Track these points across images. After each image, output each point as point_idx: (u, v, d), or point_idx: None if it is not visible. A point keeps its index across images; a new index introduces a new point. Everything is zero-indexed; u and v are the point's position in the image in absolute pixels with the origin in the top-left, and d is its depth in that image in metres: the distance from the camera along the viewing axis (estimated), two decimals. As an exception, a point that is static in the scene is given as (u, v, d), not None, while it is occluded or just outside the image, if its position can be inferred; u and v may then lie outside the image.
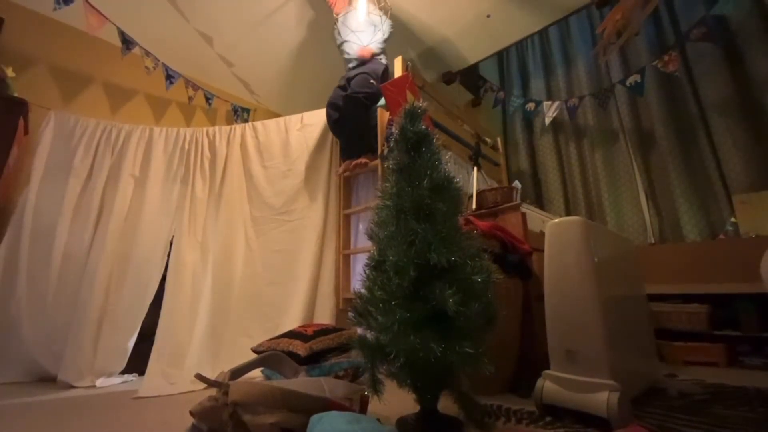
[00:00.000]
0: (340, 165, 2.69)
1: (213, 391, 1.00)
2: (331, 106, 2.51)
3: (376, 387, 1.04)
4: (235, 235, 2.54)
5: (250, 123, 2.90)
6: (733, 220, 2.26)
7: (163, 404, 1.57)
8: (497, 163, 3.33)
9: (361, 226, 2.65)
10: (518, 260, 1.59)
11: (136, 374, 2.09)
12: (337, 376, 1.60)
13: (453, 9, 2.96)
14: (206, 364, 2.11)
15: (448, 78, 3.72)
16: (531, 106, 3.31)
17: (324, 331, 1.79)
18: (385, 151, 2.30)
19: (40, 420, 1.40)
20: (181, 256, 2.39)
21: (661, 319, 2.08)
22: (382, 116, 2.44)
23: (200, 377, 1.01)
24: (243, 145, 2.78)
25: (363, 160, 2.45)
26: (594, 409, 1.06)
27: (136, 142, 2.62)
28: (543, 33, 3.38)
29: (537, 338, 1.44)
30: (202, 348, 2.16)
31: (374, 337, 1.08)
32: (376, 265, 1.13)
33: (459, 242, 1.08)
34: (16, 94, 2.34)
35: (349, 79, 2.46)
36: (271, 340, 1.81)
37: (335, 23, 2.64)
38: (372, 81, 2.39)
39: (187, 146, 2.72)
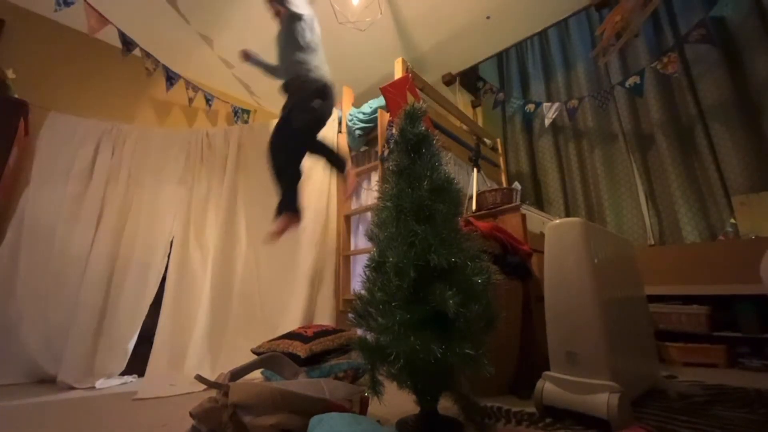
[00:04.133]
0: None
1: (213, 393, 0.99)
2: (277, 150, 2.05)
3: (376, 388, 1.04)
4: (235, 237, 2.54)
5: (250, 124, 2.91)
6: (732, 221, 2.26)
7: (163, 405, 1.57)
8: (497, 165, 3.34)
9: (361, 228, 2.65)
10: (518, 261, 1.59)
11: (135, 375, 2.09)
12: (336, 378, 1.60)
13: (452, 10, 2.97)
14: (206, 365, 2.11)
15: (447, 79, 3.73)
16: (530, 107, 3.32)
17: (324, 332, 1.79)
18: (386, 153, 2.31)
19: (40, 421, 1.39)
20: (181, 257, 2.40)
21: (660, 320, 2.08)
22: (383, 117, 2.45)
23: (200, 378, 1.00)
24: (243, 146, 2.78)
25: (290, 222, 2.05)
26: (594, 410, 1.06)
27: (137, 143, 2.62)
28: (542, 34, 3.39)
29: (537, 339, 1.45)
30: (202, 349, 2.16)
31: (374, 338, 1.08)
32: (376, 267, 1.13)
33: (459, 243, 1.08)
34: (16, 95, 2.35)
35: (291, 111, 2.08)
36: (270, 341, 1.81)
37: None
38: (312, 106, 2.05)
39: (187, 147, 2.72)
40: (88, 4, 2.35)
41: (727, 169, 2.36)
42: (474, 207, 2.08)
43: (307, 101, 2.03)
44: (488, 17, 3.06)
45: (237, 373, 1.21)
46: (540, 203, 3.26)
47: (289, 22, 2.09)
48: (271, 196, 2.64)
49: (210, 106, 3.34)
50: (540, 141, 3.40)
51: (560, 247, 1.23)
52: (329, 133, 2.70)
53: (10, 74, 2.33)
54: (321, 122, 2.15)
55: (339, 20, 2.61)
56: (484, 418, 1.19)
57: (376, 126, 2.50)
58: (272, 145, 2.06)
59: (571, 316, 1.17)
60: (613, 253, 1.35)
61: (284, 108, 2.09)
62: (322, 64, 2.15)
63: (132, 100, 3.09)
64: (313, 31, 2.16)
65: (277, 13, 2.18)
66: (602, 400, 1.04)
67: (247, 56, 2.40)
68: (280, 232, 2.01)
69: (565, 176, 3.22)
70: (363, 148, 2.81)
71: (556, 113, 3.14)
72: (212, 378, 1.07)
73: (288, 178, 2.04)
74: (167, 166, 2.62)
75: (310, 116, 2.06)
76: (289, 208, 2.02)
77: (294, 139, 2.05)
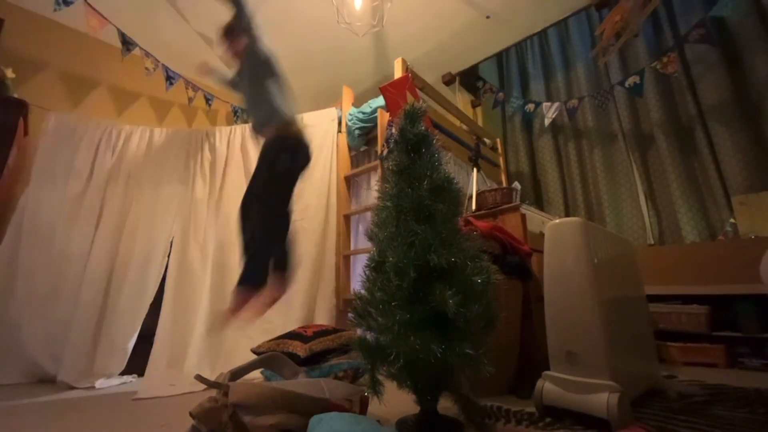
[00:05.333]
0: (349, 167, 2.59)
1: (213, 392, 0.99)
2: (245, 217, 1.85)
3: (376, 388, 1.04)
4: (235, 236, 2.53)
5: (250, 123, 2.90)
6: (732, 221, 2.26)
7: (163, 405, 1.57)
8: (497, 164, 3.33)
9: (361, 227, 2.65)
10: (518, 261, 1.59)
11: (135, 375, 2.09)
12: (336, 377, 1.60)
13: (452, 10, 2.97)
14: (206, 365, 2.11)
15: (447, 79, 3.73)
16: (530, 107, 3.32)
17: (324, 332, 1.79)
18: (385, 152, 2.31)
19: (40, 421, 1.39)
20: (181, 257, 2.40)
21: (660, 320, 2.08)
22: (382, 117, 2.45)
23: (200, 378, 1.00)
24: (243, 146, 2.78)
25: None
26: (594, 410, 1.06)
27: (137, 143, 2.62)
28: (542, 34, 3.39)
29: (537, 339, 1.44)
30: (202, 349, 2.16)
31: (374, 338, 1.08)
32: (376, 266, 1.13)
33: (459, 243, 1.08)
34: (15, 95, 2.34)
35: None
36: (270, 341, 1.82)
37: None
38: (277, 170, 1.83)
39: (187, 147, 2.72)
40: (88, 3, 2.35)
41: (727, 168, 2.36)
42: (474, 207, 2.08)
43: (274, 160, 1.82)
44: (488, 17, 3.06)
45: (237, 373, 1.21)
46: (540, 203, 3.26)
47: (255, 54, 1.92)
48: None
49: (210, 105, 3.33)
50: (540, 141, 3.40)
51: (560, 247, 1.23)
52: (327, 141, 2.69)
53: (9, 74, 2.33)
54: (290, 180, 1.90)
55: (338, 21, 2.60)
56: (484, 417, 1.19)
57: (375, 125, 2.50)
58: (242, 212, 1.85)
59: (570, 315, 1.17)
60: (612, 252, 1.35)
61: (258, 165, 1.91)
62: (290, 103, 1.94)
63: (132, 100, 3.09)
64: (277, 62, 1.98)
65: (236, 54, 2.00)
66: (602, 399, 1.04)
67: (206, 70, 2.30)
68: (236, 311, 1.67)
69: (564, 176, 3.22)
70: (363, 148, 2.81)
71: (556, 113, 3.14)
72: (212, 378, 1.07)
73: (258, 245, 1.76)
74: (167, 166, 2.62)
75: (277, 179, 1.83)
76: (253, 280, 1.70)
77: (265, 203, 1.82)
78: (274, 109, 1.86)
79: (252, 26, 1.91)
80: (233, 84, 2.19)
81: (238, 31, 1.95)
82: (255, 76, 1.93)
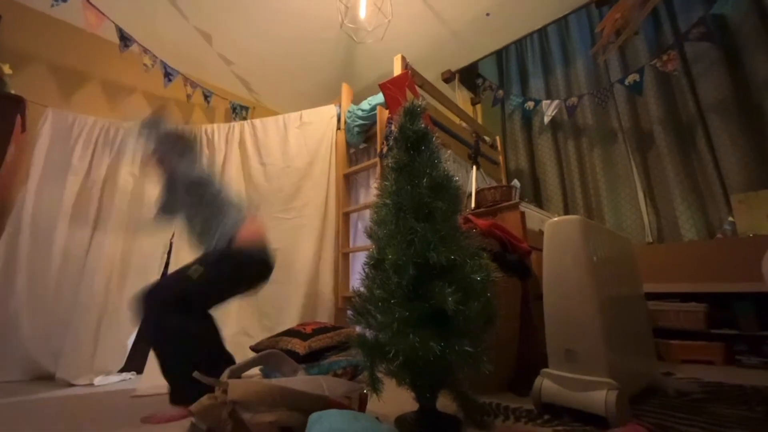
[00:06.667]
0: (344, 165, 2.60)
1: (212, 390, 0.99)
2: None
3: (375, 385, 1.05)
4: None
5: (248, 121, 2.90)
6: (730, 219, 2.27)
7: (162, 402, 1.56)
8: (496, 162, 3.33)
9: (360, 225, 2.65)
10: (517, 259, 1.59)
11: (134, 372, 2.09)
12: (335, 375, 1.60)
13: (452, 8, 2.96)
14: (205, 362, 2.10)
15: (447, 76, 3.72)
16: (530, 105, 3.31)
17: (323, 329, 1.79)
18: (384, 150, 2.30)
19: (39, 418, 1.39)
20: (181, 254, 2.39)
21: (659, 317, 2.09)
22: (382, 114, 2.44)
23: (199, 376, 1.00)
24: (242, 143, 2.78)
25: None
26: (592, 407, 1.06)
27: (135, 140, 2.61)
28: (542, 32, 3.38)
29: (536, 337, 1.45)
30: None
31: (373, 335, 1.08)
32: (376, 264, 1.13)
33: (458, 241, 1.08)
34: (13, 91, 2.33)
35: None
36: (269, 338, 1.82)
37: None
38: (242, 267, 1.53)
39: (185, 144, 2.70)
40: (86, -1, 2.34)
41: (726, 167, 2.36)
42: (473, 204, 2.08)
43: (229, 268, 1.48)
44: (488, 14, 3.06)
45: (236, 370, 1.22)
46: (539, 201, 3.26)
47: (190, 172, 1.65)
48: (270, 193, 2.64)
49: (209, 102, 3.32)
50: (539, 138, 3.39)
51: (559, 245, 1.23)
52: (326, 139, 2.68)
53: (6, 70, 2.32)
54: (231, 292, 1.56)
55: (341, 26, 2.60)
56: (482, 415, 1.19)
57: (375, 123, 2.49)
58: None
59: (569, 313, 1.18)
60: (611, 250, 1.35)
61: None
62: (239, 205, 1.66)
63: (130, 96, 3.08)
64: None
65: (162, 163, 1.68)
66: (600, 397, 1.04)
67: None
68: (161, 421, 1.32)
69: (564, 174, 3.22)
70: (362, 145, 2.80)
71: (556, 111, 3.13)
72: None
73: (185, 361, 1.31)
74: (166, 163, 2.61)
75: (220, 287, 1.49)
76: (185, 398, 1.25)
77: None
78: (228, 225, 1.54)
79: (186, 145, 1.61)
80: (166, 212, 1.73)
81: (173, 143, 1.67)
82: (195, 198, 1.61)
